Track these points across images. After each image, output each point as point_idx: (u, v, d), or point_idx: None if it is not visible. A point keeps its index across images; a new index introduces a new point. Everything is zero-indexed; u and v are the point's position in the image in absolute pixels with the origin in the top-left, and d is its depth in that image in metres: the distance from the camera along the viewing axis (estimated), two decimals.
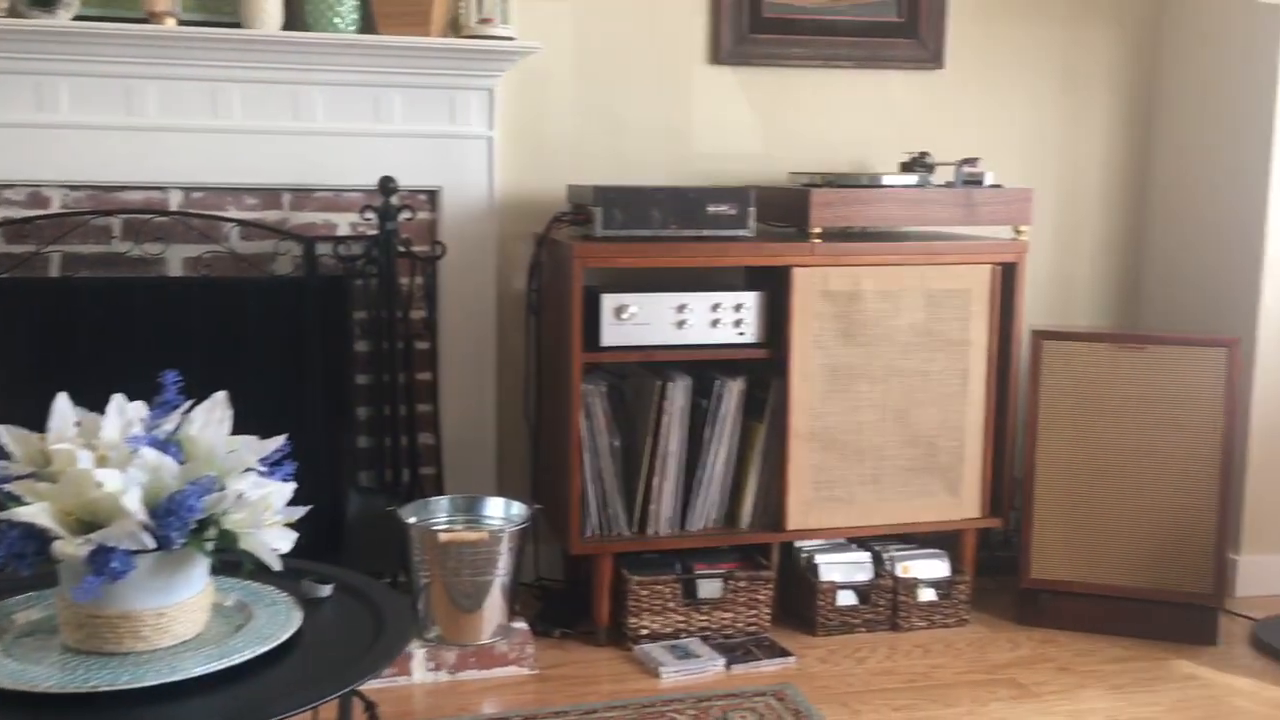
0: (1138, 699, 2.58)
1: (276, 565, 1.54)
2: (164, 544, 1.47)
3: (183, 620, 1.55)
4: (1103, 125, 3.46)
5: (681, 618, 2.83)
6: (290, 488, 1.59)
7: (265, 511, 1.53)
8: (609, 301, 2.76)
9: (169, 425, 1.60)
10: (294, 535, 1.56)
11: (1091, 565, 2.93)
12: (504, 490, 3.02)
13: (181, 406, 1.62)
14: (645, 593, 2.80)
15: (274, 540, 1.54)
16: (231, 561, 1.57)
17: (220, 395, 1.61)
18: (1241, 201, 3.18)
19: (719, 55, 3.15)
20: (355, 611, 1.71)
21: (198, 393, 1.64)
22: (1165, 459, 2.87)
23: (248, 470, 1.57)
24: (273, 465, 1.61)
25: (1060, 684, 2.66)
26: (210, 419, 1.58)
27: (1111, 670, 2.73)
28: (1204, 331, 3.20)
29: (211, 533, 1.51)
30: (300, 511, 1.60)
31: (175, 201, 2.83)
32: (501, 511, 2.81)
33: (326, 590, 1.73)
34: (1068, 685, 2.65)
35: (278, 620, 1.61)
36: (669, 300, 2.79)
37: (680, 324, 2.80)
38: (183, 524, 1.47)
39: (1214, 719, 2.50)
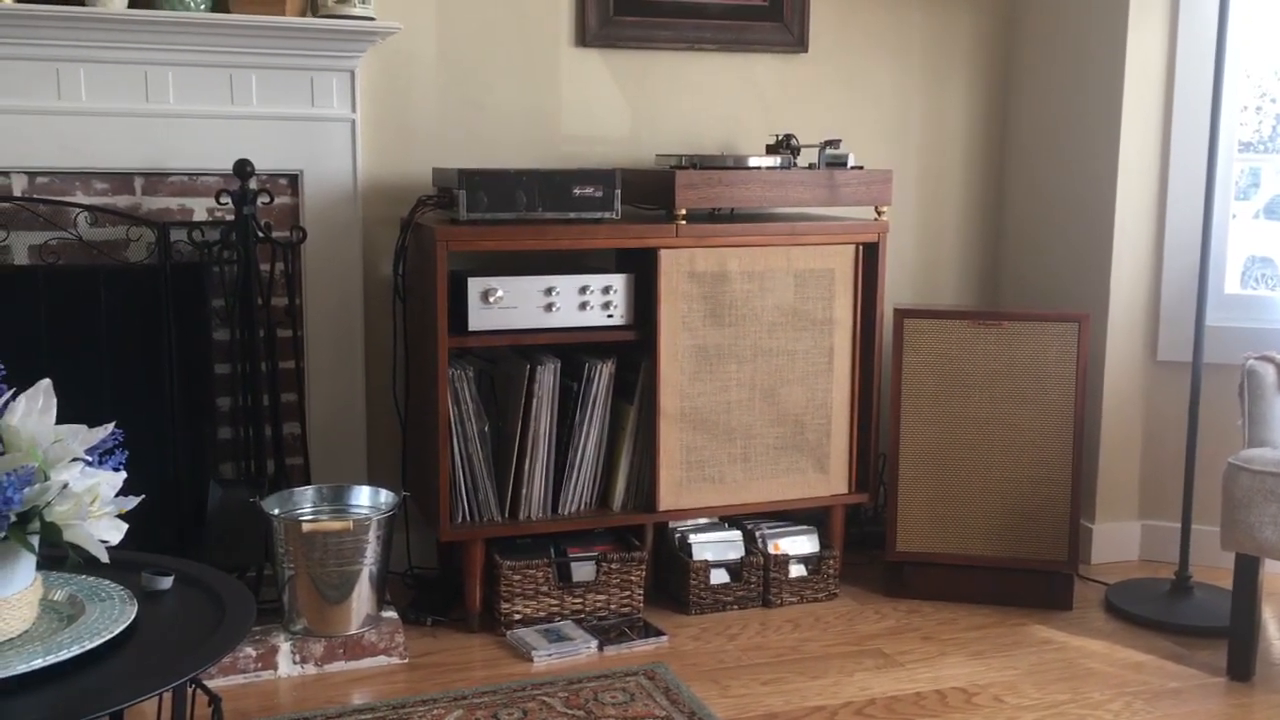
0: (996, 664, 2.67)
1: (104, 557, 1.49)
2: None
3: (6, 617, 1.49)
4: (962, 107, 3.54)
5: (555, 601, 2.82)
6: (120, 477, 1.53)
7: (92, 503, 1.48)
8: (475, 285, 2.73)
9: None
10: (124, 526, 1.51)
11: (953, 537, 3.01)
12: (375, 479, 2.98)
13: (3, 395, 1.55)
14: (518, 577, 2.79)
15: (102, 532, 1.49)
16: (60, 556, 1.52)
17: (44, 383, 1.55)
18: (1092, 181, 3.29)
19: (585, 38, 3.14)
20: (196, 603, 1.66)
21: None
22: (1022, 432, 2.96)
23: (74, 460, 1.51)
24: (103, 455, 1.55)
25: (923, 652, 2.73)
26: (33, 408, 1.52)
27: (972, 637, 2.81)
28: (1061, 308, 3.31)
29: (35, 525, 1.46)
30: (132, 502, 1.55)
31: (19, 187, 2.72)
32: (369, 500, 2.77)
33: (166, 583, 1.68)
34: (930, 653, 2.72)
35: (110, 615, 1.56)
36: (537, 283, 2.78)
37: (549, 307, 2.79)
38: (1, 516, 1.41)
39: (1068, 680, 2.59)
